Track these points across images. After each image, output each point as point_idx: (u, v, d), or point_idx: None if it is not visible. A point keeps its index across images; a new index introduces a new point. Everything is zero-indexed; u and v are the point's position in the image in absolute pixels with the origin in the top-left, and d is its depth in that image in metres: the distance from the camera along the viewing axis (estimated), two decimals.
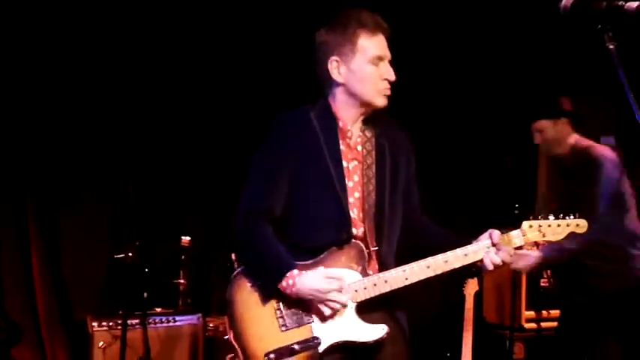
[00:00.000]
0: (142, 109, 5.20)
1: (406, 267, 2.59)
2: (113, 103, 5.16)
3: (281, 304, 2.59)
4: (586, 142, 4.13)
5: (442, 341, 5.41)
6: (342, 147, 2.67)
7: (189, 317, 4.87)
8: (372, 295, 2.58)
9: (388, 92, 2.67)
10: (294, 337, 2.53)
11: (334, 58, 2.64)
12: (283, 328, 2.58)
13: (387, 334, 2.58)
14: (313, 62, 2.72)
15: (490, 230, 2.58)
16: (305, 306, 2.58)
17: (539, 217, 2.58)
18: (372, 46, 2.63)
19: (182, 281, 5.01)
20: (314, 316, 2.59)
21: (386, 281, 2.57)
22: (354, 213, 2.64)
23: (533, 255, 3.90)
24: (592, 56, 2.70)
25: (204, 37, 5.36)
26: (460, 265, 2.57)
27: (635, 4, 1.99)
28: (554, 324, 4.56)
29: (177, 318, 4.83)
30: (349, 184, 2.66)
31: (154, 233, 5.03)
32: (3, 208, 5.00)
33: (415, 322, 2.85)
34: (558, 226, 2.59)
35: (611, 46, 2.23)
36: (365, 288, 2.57)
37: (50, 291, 5.09)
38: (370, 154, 2.70)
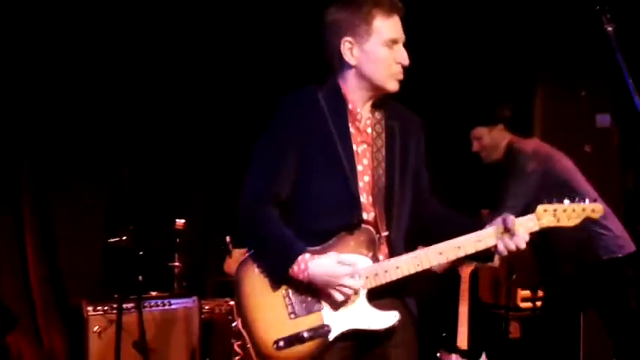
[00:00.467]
0: (135, 93, 5.15)
1: (417, 253, 2.52)
2: (106, 88, 5.10)
3: (290, 290, 2.52)
4: (516, 140, 4.24)
5: (438, 321, 5.40)
6: (351, 130, 2.59)
7: (185, 300, 4.86)
8: (383, 282, 2.51)
9: (401, 76, 2.58)
10: (303, 324, 2.47)
11: (347, 38, 2.54)
12: (292, 316, 2.51)
13: (399, 321, 2.52)
14: (322, 41, 2.60)
15: (504, 214, 2.49)
16: (315, 293, 2.51)
17: (553, 201, 2.52)
18: (387, 27, 2.53)
19: (177, 264, 4.99)
20: (324, 304, 2.52)
21: (397, 267, 2.51)
22: (364, 197, 2.56)
23: None
24: (591, 31, 2.65)
25: (196, 19, 5.28)
26: (473, 251, 2.51)
27: None
28: None
29: (172, 301, 4.82)
30: (359, 167, 2.57)
31: (148, 216, 4.99)
32: None
33: None
34: (573, 210, 2.51)
35: (610, 28, 2.19)
36: (376, 274, 2.51)
37: (45, 277, 5.05)
38: (380, 137, 2.62)
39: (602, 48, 2.49)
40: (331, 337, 2.48)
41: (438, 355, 4.68)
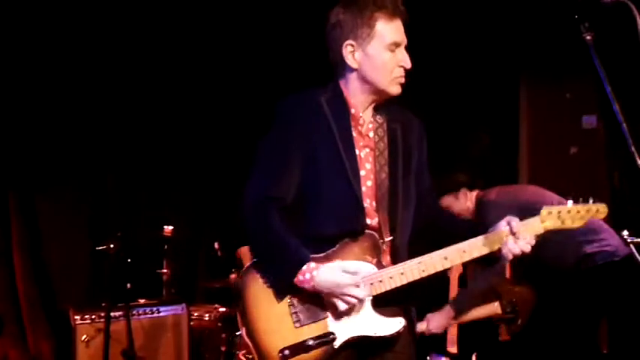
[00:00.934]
0: (124, 98, 5.10)
1: (422, 258, 2.49)
2: (91, 93, 5.06)
3: (294, 299, 2.49)
4: (482, 195, 4.38)
5: None
6: (353, 134, 2.56)
7: (174, 307, 4.81)
8: (388, 288, 2.48)
9: (402, 80, 2.56)
10: (309, 332, 2.44)
11: (349, 42, 2.52)
12: (297, 324, 2.47)
13: (404, 327, 2.50)
14: (325, 43, 2.57)
15: (509, 217, 2.47)
16: (319, 301, 2.48)
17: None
18: (389, 31, 2.51)
19: (165, 271, 4.95)
20: (329, 312, 2.48)
21: (402, 273, 2.48)
22: (368, 202, 2.53)
23: (444, 311, 4.27)
24: (575, 34, 2.66)
25: (190, 22, 5.23)
26: (478, 255, 2.49)
27: None
28: None
29: (161, 308, 4.77)
30: (362, 172, 2.54)
31: (135, 223, 4.95)
32: None
33: None
34: (578, 212, 2.49)
35: (588, 37, 2.22)
36: (381, 281, 2.48)
37: (32, 282, 5.02)
38: (382, 140, 2.59)
39: (585, 50, 2.50)
40: (337, 344, 2.45)
41: (428, 358, 4.66)
